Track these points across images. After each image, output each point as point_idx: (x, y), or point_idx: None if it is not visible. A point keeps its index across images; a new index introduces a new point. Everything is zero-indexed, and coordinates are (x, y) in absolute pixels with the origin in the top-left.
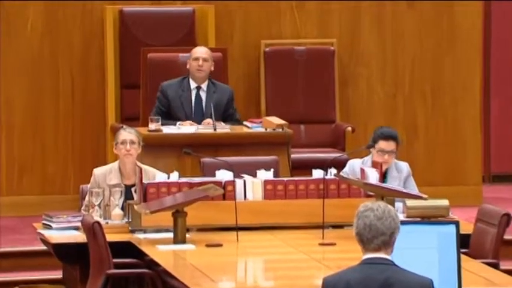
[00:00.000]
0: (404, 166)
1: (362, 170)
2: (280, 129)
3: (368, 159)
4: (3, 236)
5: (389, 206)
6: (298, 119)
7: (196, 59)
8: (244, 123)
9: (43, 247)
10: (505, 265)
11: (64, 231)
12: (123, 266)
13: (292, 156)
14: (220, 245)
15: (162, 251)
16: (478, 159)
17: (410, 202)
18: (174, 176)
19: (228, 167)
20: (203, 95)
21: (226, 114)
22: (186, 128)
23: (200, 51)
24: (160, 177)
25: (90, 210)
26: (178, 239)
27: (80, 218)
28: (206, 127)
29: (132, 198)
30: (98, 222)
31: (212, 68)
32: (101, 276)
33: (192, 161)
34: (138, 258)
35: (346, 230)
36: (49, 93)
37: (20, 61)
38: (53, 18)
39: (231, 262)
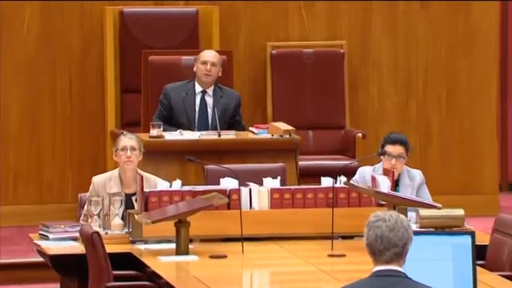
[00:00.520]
0: (417, 174)
1: (373, 178)
2: (288, 135)
3: (379, 167)
4: None
5: (402, 216)
6: (306, 124)
7: (205, 63)
8: (250, 129)
9: (40, 259)
10: None
11: (62, 242)
12: (123, 279)
13: (300, 163)
14: (224, 257)
15: (164, 262)
16: (495, 166)
17: (423, 212)
18: (177, 184)
19: (233, 174)
20: (209, 100)
21: (232, 121)
22: (189, 133)
23: (209, 55)
24: (162, 185)
25: (89, 220)
26: (181, 250)
27: (78, 228)
28: (210, 133)
29: (133, 207)
30: (97, 233)
31: (220, 74)
32: None
33: (195, 169)
34: (138, 270)
35: (357, 240)
36: (46, 98)
37: (15, 64)
38: (50, 19)
39: (236, 274)
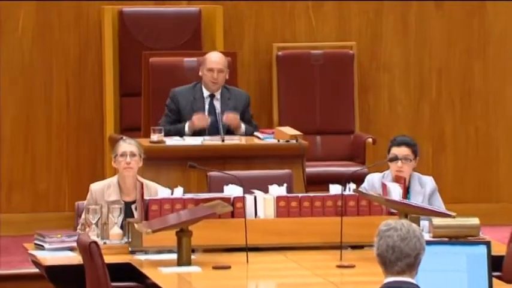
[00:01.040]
0: (429, 180)
1: (384, 185)
2: (294, 141)
3: (389, 173)
4: None
5: (414, 225)
6: (313, 129)
7: (211, 70)
8: (255, 134)
9: (35, 269)
10: None
11: (58, 252)
12: None
13: (308, 170)
14: (228, 267)
15: (165, 273)
16: (511, 173)
17: (437, 220)
18: (178, 192)
19: (237, 181)
20: (217, 104)
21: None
22: (191, 139)
23: (215, 61)
24: (163, 192)
25: (87, 229)
26: (183, 261)
27: (75, 238)
28: (213, 138)
29: (132, 216)
30: (95, 242)
31: (227, 77)
32: None
33: (197, 175)
34: (138, 281)
35: (367, 250)
36: (41, 102)
37: (9, 67)
38: (46, 19)
39: (240, 286)
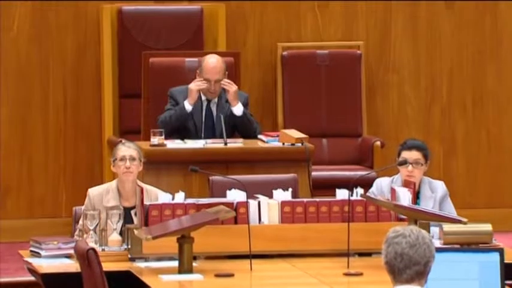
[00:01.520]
0: (440, 185)
1: (393, 190)
2: (300, 144)
3: (398, 178)
4: None
5: (423, 232)
6: (320, 132)
7: (208, 80)
8: (259, 136)
9: (31, 277)
10: None
11: (55, 260)
12: None
13: (313, 174)
14: (231, 275)
15: (166, 281)
16: None
17: (447, 227)
18: (180, 197)
19: (241, 186)
20: (214, 108)
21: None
22: (193, 142)
23: (212, 71)
24: (163, 197)
25: (85, 236)
26: (184, 268)
27: (72, 245)
28: (215, 141)
29: (132, 222)
30: (93, 249)
31: (226, 78)
32: None
33: (199, 180)
34: None
35: (375, 258)
36: (38, 104)
37: (4, 68)
38: (42, 19)
39: None
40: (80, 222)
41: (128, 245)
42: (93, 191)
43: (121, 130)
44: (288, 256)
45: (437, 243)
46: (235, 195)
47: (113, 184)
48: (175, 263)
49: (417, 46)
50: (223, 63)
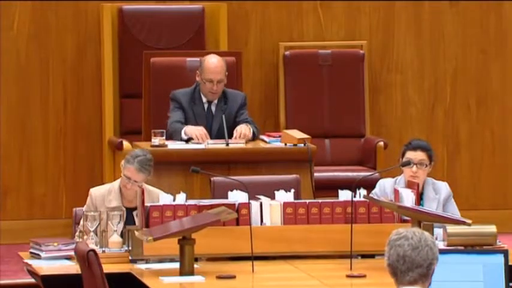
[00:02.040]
0: (444, 186)
1: (396, 191)
2: (302, 145)
3: (401, 179)
4: None
5: (426, 233)
6: (322, 132)
7: (210, 81)
8: (261, 137)
9: (30, 279)
10: None
11: (55, 261)
12: None
13: (316, 175)
14: (233, 277)
15: (167, 283)
16: None
17: (451, 228)
18: (181, 198)
19: (242, 187)
20: (213, 109)
21: (236, 121)
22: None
23: (214, 71)
24: (164, 198)
25: (85, 237)
26: (186, 270)
27: (72, 246)
28: (217, 142)
29: (134, 223)
30: (94, 251)
31: (225, 81)
32: None
33: (201, 181)
34: None
35: (378, 260)
36: (37, 104)
37: (4, 68)
38: (42, 18)
39: None
40: (81, 223)
41: (128, 247)
42: (95, 191)
43: (121, 130)
44: (290, 258)
45: (441, 245)
46: (237, 196)
47: (115, 184)
48: (176, 265)
49: (421, 46)
50: (224, 63)
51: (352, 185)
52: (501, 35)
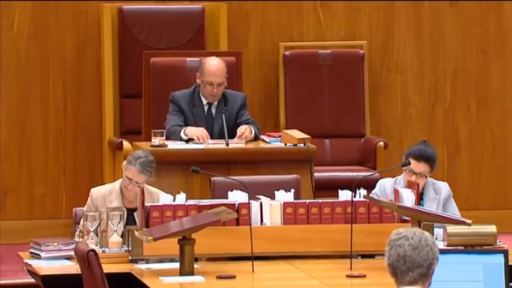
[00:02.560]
0: (444, 186)
1: (396, 191)
2: (302, 145)
3: (401, 179)
4: None
5: (426, 233)
6: (322, 132)
7: (211, 84)
8: (261, 137)
9: (30, 279)
10: None
11: (54, 261)
12: None
13: (316, 175)
14: (233, 277)
15: (167, 283)
16: None
17: (451, 228)
18: (181, 198)
19: (242, 187)
20: (214, 111)
21: (237, 122)
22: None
23: (215, 73)
24: (164, 198)
25: (85, 237)
26: (186, 270)
27: (72, 246)
28: (217, 142)
29: (135, 223)
30: (94, 251)
31: (225, 83)
32: None
33: (201, 181)
34: None
35: (378, 260)
36: (37, 104)
37: (4, 68)
38: (42, 18)
39: None
40: (81, 223)
41: (128, 247)
42: (96, 192)
43: (121, 130)
44: (290, 258)
45: (441, 245)
46: (237, 196)
47: (116, 185)
48: (176, 265)
49: (421, 46)
50: (224, 66)
51: (352, 185)
52: (501, 35)
